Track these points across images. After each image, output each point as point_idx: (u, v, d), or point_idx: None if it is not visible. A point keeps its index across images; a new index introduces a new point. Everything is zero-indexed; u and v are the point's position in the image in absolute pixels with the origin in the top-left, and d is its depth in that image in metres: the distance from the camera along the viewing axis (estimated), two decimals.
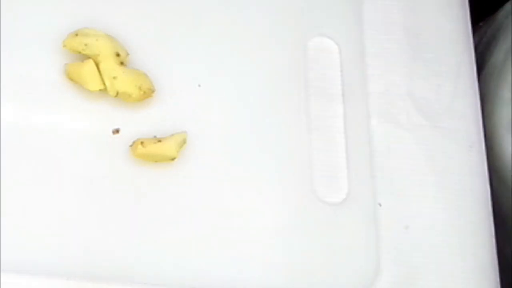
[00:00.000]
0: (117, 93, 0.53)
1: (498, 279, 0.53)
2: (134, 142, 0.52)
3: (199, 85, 0.56)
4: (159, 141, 0.52)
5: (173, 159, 0.52)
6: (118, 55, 0.54)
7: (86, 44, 0.53)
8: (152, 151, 0.52)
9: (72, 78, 0.53)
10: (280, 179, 0.54)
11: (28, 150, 0.52)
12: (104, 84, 0.53)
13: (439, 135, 0.57)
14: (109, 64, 0.53)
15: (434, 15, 0.61)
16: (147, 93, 0.53)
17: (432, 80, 0.59)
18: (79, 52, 0.54)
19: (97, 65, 0.53)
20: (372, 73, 0.58)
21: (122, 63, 0.54)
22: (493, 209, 0.56)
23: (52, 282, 0.48)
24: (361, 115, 0.57)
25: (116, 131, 0.53)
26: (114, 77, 0.53)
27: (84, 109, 0.54)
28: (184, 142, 0.53)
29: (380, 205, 0.54)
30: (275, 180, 0.54)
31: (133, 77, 0.54)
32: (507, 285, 0.55)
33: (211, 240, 0.52)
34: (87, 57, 0.53)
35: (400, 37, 0.60)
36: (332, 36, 0.59)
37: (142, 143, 0.52)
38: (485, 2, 0.68)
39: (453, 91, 0.58)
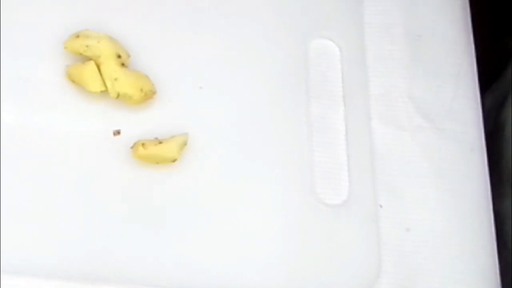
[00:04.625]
0: (118, 95, 0.53)
1: (499, 281, 0.53)
2: (135, 144, 0.52)
3: (200, 87, 0.56)
4: (160, 142, 0.52)
5: (174, 160, 0.52)
6: (119, 56, 0.54)
7: (87, 46, 0.53)
8: (153, 153, 0.52)
9: (73, 80, 0.54)
10: (281, 180, 0.54)
11: (28, 151, 0.52)
12: (105, 85, 0.53)
13: (440, 137, 0.57)
14: (110, 66, 0.53)
15: (434, 17, 0.61)
16: (148, 95, 0.54)
17: (432, 82, 0.59)
18: (80, 54, 0.54)
19: (98, 66, 0.53)
20: (373, 75, 0.59)
21: (123, 65, 0.54)
22: (494, 211, 0.56)
23: (52, 283, 0.48)
24: (362, 117, 0.57)
25: (117, 132, 0.53)
26: (115, 79, 0.53)
27: (85, 110, 0.54)
28: (185, 143, 0.53)
29: (381, 206, 0.54)
30: (276, 181, 0.54)
31: (134, 78, 0.54)
32: (507, 286, 0.55)
33: (211, 241, 0.51)
34: (88, 58, 0.53)
35: (400, 39, 0.60)
36: (333, 38, 0.59)
37: (143, 144, 0.52)
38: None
39: (453, 92, 0.58)
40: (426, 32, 0.61)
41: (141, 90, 0.53)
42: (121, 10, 0.58)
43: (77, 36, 0.54)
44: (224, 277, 0.51)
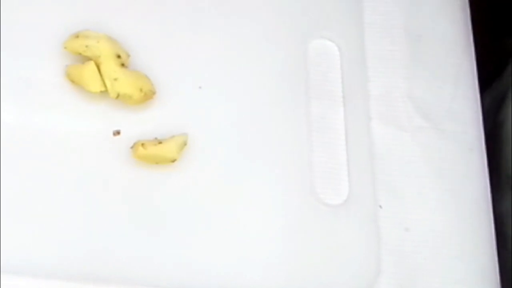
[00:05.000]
0: (118, 95, 0.53)
1: (498, 281, 0.53)
2: (135, 144, 0.52)
3: (200, 87, 0.56)
4: (160, 142, 0.53)
5: (173, 160, 0.53)
6: (119, 56, 0.54)
7: (87, 46, 0.54)
8: (152, 153, 0.52)
9: (73, 80, 0.54)
10: (281, 180, 0.54)
11: (28, 151, 0.52)
12: (105, 85, 0.53)
13: (440, 137, 0.57)
14: (110, 66, 0.54)
15: (434, 18, 0.61)
16: (148, 95, 0.54)
17: (432, 82, 0.59)
18: (80, 54, 0.54)
19: (98, 66, 0.53)
20: (373, 75, 0.59)
21: (123, 65, 0.54)
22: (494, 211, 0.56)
23: (51, 283, 0.49)
24: (361, 117, 0.58)
25: (117, 132, 0.53)
26: (115, 79, 0.53)
27: (84, 110, 0.54)
28: (184, 144, 0.53)
29: (380, 207, 0.54)
30: (276, 181, 0.54)
31: (134, 79, 0.54)
32: (507, 286, 0.55)
33: (211, 241, 0.52)
34: (88, 58, 0.54)
35: (400, 39, 0.60)
36: (333, 38, 0.60)
37: (142, 144, 0.52)
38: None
39: (453, 93, 0.59)
40: (426, 32, 0.61)
41: (141, 90, 0.54)
42: (121, 10, 0.58)
43: (77, 36, 0.55)
44: (224, 277, 0.51)
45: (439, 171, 0.56)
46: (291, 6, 0.60)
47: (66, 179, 0.52)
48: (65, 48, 0.55)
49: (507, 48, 0.72)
